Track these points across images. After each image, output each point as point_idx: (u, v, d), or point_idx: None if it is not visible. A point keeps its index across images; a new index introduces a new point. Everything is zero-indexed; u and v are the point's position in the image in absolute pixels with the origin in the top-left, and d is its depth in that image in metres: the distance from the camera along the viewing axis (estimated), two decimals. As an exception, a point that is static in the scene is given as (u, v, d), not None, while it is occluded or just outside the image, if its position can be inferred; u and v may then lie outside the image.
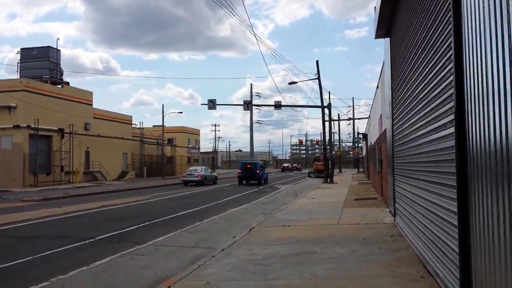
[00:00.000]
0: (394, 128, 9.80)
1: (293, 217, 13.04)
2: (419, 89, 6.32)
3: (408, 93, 7.33)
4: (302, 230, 10.57)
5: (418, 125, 6.45)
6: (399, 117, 8.77)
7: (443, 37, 4.86)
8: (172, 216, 14.94)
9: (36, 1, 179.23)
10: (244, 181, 36.27)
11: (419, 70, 6.26)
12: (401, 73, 8.26)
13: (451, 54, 4.48)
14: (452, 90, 4.48)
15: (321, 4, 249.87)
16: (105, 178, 47.25)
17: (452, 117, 4.51)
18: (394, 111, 9.79)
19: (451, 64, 4.50)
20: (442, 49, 4.90)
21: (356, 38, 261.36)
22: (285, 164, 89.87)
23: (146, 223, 13.15)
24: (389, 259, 6.98)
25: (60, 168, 41.07)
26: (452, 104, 4.49)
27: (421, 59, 6.11)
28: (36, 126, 37.15)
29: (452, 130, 4.51)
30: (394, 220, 10.64)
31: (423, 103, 5.99)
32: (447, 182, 4.77)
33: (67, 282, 6.89)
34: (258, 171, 36.25)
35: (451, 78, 4.51)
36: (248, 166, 37.24)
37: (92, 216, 15.46)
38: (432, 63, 5.40)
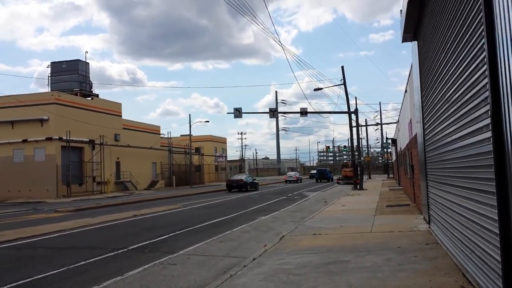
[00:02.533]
0: (426, 132, 9.59)
1: (323, 225, 12.90)
2: (451, 92, 6.16)
3: (440, 97, 7.16)
4: (334, 238, 10.43)
5: (451, 129, 6.28)
6: (430, 121, 8.58)
7: (474, 38, 4.73)
8: (202, 224, 15.01)
9: (62, 15, 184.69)
10: (319, 180, 58.06)
11: (450, 72, 6.11)
12: (431, 76, 8.09)
13: (484, 56, 4.35)
14: (487, 93, 4.35)
15: (344, 8, 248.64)
16: (135, 187, 48.02)
17: (488, 121, 4.37)
18: (425, 115, 9.59)
19: (485, 67, 4.37)
20: (474, 51, 4.77)
21: (381, 42, 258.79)
22: (237, 176, 61.39)
23: (177, 232, 13.25)
24: (426, 268, 6.79)
25: (92, 179, 41.99)
26: (487, 107, 4.36)
27: (451, 61, 5.96)
28: (68, 138, 38.15)
29: (488, 134, 4.37)
30: (429, 227, 10.39)
31: (456, 106, 5.83)
32: (485, 189, 4.62)
33: (102, 293, 6.98)
34: (327, 174, 60.38)
35: (486, 81, 4.38)
36: (322, 171, 61.66)
37: (124, 226, 15.68)
38: (464, 65, 5.26)
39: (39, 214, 21.95)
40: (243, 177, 40.48)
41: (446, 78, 6.39)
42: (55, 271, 8.51)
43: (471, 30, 4.81)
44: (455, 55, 5.67)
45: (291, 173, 63.90)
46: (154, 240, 11.89)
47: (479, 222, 4.97)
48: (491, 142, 4.24)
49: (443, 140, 7.08)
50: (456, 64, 5.66)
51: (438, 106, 7.37)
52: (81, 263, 9.23)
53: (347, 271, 6.95)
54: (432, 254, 7.73)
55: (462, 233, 6.10)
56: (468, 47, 4.97)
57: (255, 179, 42.56)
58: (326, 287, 6.12)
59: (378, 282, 6.17)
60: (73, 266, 8.95)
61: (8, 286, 7.56)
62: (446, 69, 6.33)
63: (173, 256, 9.67)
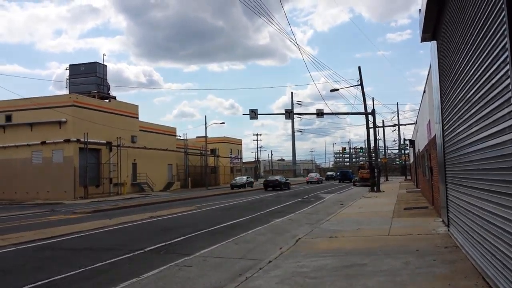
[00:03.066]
0: (445, 134, 9.42)
1: (340, 227, 12.78)
2: (472, 92, 6.02)
3: (460, 97, 7.01)
4: (351, 241, 10.32)
5: (472, 130, 6.14)
6: (451, 122, 8.42)
7: (496, 38, 4.61)
8: (217, 226, 15.01)
9: (80, 18, 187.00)
10: (341, 181, 62.51)
11: (472, 72, 5.98)
12: (451, 76, 7.94)
13: (507, 56, 4.24)
14: (510, 94, 4.23)
15: (360, 8, 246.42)
16: (151, 189, 48.37)
17: (510, 122, 4.26)
18: (444, 116, 9.42)
19: (507, 67, 4.25)
20: (496, 51, 4.65)
21: (399, 42, 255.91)
22: (273, 177, 58.72)
23: (193, 234, 13.27)
24: (445, 271, 6.65)
25: (109, 180, 42.41)
26: (510, 108, 4.24)
27: (472, 61, 5.83)
28: (86, 140, 38.59)
29: (511, 136, 4.25)
30: (448, 230, 10.20)
31: (477, 107, 5.70)
32: (508, 191, 4.49)
33: (118, 294, 7.00)
34: (349, 175, 63.92)
35: (508, 81, 4.26)
36: (344, 172, 67.14)
37: (141, 227, 15.77)
38: (486, 65, 5.13)
39: (57, 216, 22.24)
40: (278, 177, 49.35)
41: (467, 78, 6.26)
42: (73, 272, 8.57)
43: (493, 29, 4.69)
44: (476, 54, 5.54)
45: (312, 175, 69.30)
46: (170, 242, 11.92)
47: (501, 225, 4.84)
48: (514, 143, 4.12)
49: (464, 141, 6.94)
50: (477, 64, 5.53)
51: (458, 107, 7.22)
52: (98, 264, 9.29)
53: (364, 274, 6.85)
54: (451, 257, 7.58)
55: (483, 237, 5.96)
56: (490, 47, 4.85)
57: (287, 180, 50.07)
58: (343, 291, 6.03)
59: (396, 286, 6.06)
60: (90, 267, 9.01)
61: (27, 287, 7.64)
62: (467, 69, 6.20)
63: (189, 258, 9.66)
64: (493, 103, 4.93)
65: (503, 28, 4.32)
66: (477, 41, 5.42)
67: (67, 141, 38.51)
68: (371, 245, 9.51)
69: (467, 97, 6.33)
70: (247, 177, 57.40)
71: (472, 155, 6.28)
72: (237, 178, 57.17)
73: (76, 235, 13.96)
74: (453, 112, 7.86)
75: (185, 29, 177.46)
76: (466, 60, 6.26)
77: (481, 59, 5.31)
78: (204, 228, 14.63)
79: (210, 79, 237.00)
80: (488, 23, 4.88)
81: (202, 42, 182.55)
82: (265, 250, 10.25)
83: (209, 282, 7.52)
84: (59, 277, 8.25)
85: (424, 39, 10.56)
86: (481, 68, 5.34)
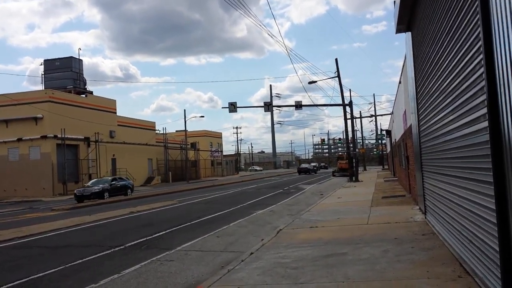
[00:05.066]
0: (421, 123, 9.58)
1: (320, 217, 12.90)
2: (447, 82, 6.13)
3: (435, 87, 7.13)
4: (331, 231, 10.43)
5: (447, 120, 6.25)
6: (426, 112, 8.56)
7: (470, 28, 4.69)
8: (199, 220, 14.99)
9: (53, 11, 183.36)
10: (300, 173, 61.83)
11: (446, 63, 6.07)
12: (426, 67, 8.05)
13: (480, 45, 4.32)
14: (483, 83, 4.32)
15: (337, 0, 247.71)
16: (131, 184, 47.90)
17: (484, 110, 4.34)
18: (420, 106, 9.57)
19: (481, 56, 4.34)
20: (470, 41, 4.74)
21: (374, 33, 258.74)
22: (304, 165, 71.29)
23: (174, 228, 13.22)
24: (423, 258, 6.79)
25: (88, 176, 41.85)
26: (484, 97, 4.33)
27: (447, 51, 5.92)
28: (63, 135, 37.96)
29: (485, 124, 4.34)
30: (425, 217, 10.41)
31: (452, 96, 5.80)
32: (482, 179, 4.60)
33: (99, 291, 6.94)
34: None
35: (482, 70, 4.35)
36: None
37: (121, 223, 15.64)
38: (460, 55, 5.22)
39: (35, 213, 21.88)
40: (307, 165, 66.96)
41: (442, 68, 6.35)
42: (52, 270, 8.46)
43: (467, 19, 4.77)
44: (450, 45, 5.63)
45: (304, 165, 73.76)
46: (151, 237, 11.85)
47: (477, 212, 4.96)
48: (488, 132, 4.21)
49: (439, 130, 7.06)
50: (452, 54, 5.62)
51: (434, 97, 7.34)
52: (78, 261, 9.18)
53: (344, 263, 6.95)
54: (429, 244, 7.74)
55: (459, 223, 6.10)
56: (464, 36, 4.93)
57: (315, 166, 69.20)
58: (323, 280, 6.10)
59: (376, 274, 6.17)
60: (70, 264, 8.91)
61: (6, 286, 7.52)
62: (442, 59, 6.29)
63: (170, 252, 9.64)
64: (467, 92, 5.03)
65: (476, 18, 4.39)
66: (452, 31, 5.51)
67: (44, 137, 37.82)
68: (351, 234, 9.63)
69: (442, 87, 6.43)
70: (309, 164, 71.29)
71: (448, 144, 6.40)
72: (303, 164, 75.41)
73: (54, 233, 13.76)
74: (429, 102, 7.99)
75: (162, 22, 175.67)
76: (441, 51, 6.35)
77: (455, 49, 5.39)
78: (185, 222, 14.60)
79: (188, 73, 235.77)
80: (462, 14, 4.96)
81: (179, 35, 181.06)
82: (247, 242, 10.29)
83: (191, 276, 7.52)
84: (38, 275, 8.14)
85: (399, 30, 10.66)
86: (455, 58, 5.43)
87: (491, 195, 4.25)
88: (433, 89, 7.29)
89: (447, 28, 5.74)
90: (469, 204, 5.34)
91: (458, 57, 5.27)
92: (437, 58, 6.72)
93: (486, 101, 4.23)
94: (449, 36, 5.66)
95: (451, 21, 5.49)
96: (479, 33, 4.32)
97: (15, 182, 37.91)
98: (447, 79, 6.02)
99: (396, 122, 22.82)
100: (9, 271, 8.68)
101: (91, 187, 28.64)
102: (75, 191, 28.55)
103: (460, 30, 5.09)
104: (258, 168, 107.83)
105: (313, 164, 78.01)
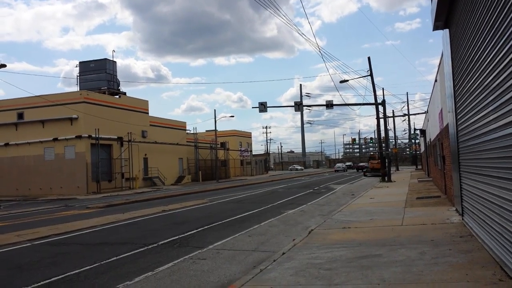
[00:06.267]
0: (459, 122, 9.29)
1: (352, 218, 12.72)
2: (488, 80, 5.90)
3: (476, 85, 6.88)
4: (364, 232, 10.26)
5: (489, 119, 6.02)
6: (465, 111, 8.29)
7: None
8: (230, 219, 15.03)
9: (86, 14, 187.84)
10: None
11: (488, 61, 5.85)
12: (466, 64, 7.80)
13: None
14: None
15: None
16: (163, 183, 48.61)
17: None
18: (458, 105, 9.29)
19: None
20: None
21: (408, 31, 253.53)
22: (339, 164, 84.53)
23: (206, 227, 13.30)
24: (462, 261, 6.58)
25: (121, 175, 42.68)
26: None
27: (489, 48, 5.70)
28: (97, 135, 38.80)
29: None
30: (462, 219, 10.10)
31: (495, 94, 5.58)
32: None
33: (134, 288, 7.03)
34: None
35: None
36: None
37: (154, 221, 15.85)
38: (503, 53, 5.01)
39: (70, 211, 22.45)
40: (341, 164, 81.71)
41: (484, 65, 6.12)
42: (88, 267, 8.63)
43: (511, 15, 4.57)
44: (493, 41, 5.41)
45: (339, 164, 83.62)
46: (183, 235, 11.96)
47: (521, 214, 4.75)
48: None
49: (480, 129, 6.82)
50: (494, 51, 5.40)
51: (474, 95, 7.09)
52: (113, 258, 9.34)
53: (379, 265, 6.80)
54: (467, 247, 7.50)
55: (500, 225, 5.87)
56: (508, 32, 4.73)
57: (349, 165, 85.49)
58: (358, 282, 5.99)
59: (413, 277, 6.01)
60: (105, 262, 9.07)
61: (43, 282, 7.71)
62: (484, 56, 6.06)
63: (202, 251, 9.69)
64: (511, 91, 4.82)
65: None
66: (495, 27, 5.30)
67: (79, 137, 38.77)
68: (385, 235, 9.45)
69: (485, 84, 6.19)
70: (342, 164, 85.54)
71: (490, 143, 6.17)
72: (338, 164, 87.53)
73: (90, 230, 14.07)
74: (468, 100, 7.73)
75: (192, 23, 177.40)
76: (482, 48, 6.12)
77: (499, 45, 5.18)
78: (217, 221, 14.66)
79: (218, 73, 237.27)
80: (506, 9, 4.76)
81: (209, 36, 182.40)
82: (278, 242, 10.25)
83: (224, 275, 7.53)
84: (74, 272, 8.31)
85: (436, 27, 10.37)
86: (499, 55, 5.22)
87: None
88: (474, 87, 7.04)
89: (490, 24, 5.53)
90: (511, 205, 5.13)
91: (503, 53, 5.05)
92: (478, 54, 6.47)
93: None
94: (492, 32, 5.44)
95: (494, 17, 5.28)
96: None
97: (51, 181, 39.04)
98: (489, 77, 5.80)
99: (431, 121, 22.29)
100: (46, 268, 8.91)
101: None
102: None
103: (504, 26, 4.88)
104: (299, 167, 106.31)
105: (341, 164, 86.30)
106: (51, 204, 28.30)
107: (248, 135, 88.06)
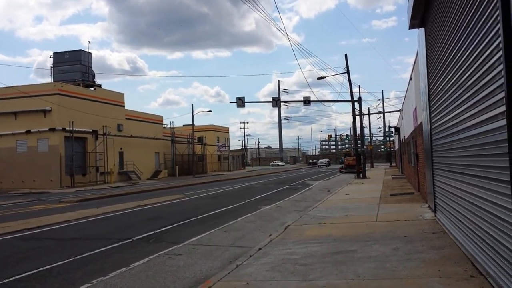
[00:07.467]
0: (432, 121, 9.47)
1: (328, 214, 12.85)
2: (462, 79, 6.02)
3: (450, 84, 7.02)
4: (339, 227, 10.37)
5: (462, 118, 6.15)
6: (439, 110, 8.45)
7: (489, 23, 4.59)
8: (206, 214, 14.98)
9: (61, 4, 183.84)
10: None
11: (462, 59, 5.96)
12: (440, 63, 7.94)
13: (500, 41, 4.23)
14: (502, 80, 4.23)
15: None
16: (138, 177, 48.10)
17: (503, 108, 4.25)
18: (432, 103, 9.45)
19: (500, 52, 4.24)
20: (489, 37, 4.63)
21: (384, 29, 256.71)
22: (321, 160, 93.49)
23: (182, 222, 13.22)
24: (434, 257, 6.72)
25: (96, 169, 42.04)
26: (503, 94, 4.23)
27: (464, 47, 5.81)
28: (71, 128, 38.08)
29: (503, 122, 4.25)
30: (435, 215, 10.31)
31: (468, 94, 5.70)
32: (499, 177, 4.52)
33: (108, 284, 6.94)
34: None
35: (501, 67, 4.25)
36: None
37: (129, 216, 15.68)
38: (478, 51, 5.11)
39: (43, 205, 22.00)
40: (323, 159, 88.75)
41: (458, 64, 6.24)
42: (61, 262, 8.48)
43: (486, 14, 4.67)
44: (468, 41, 5.52)
45: (322, 160, 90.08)
46: (159, 231, 11.86)
47: (492, 211, 4.88)
48: (506, 130, 4.12)
49: (453, 128, 6.95)
50: (469, 50, 5.50)
51: (448, 94, 7.23)
52: (87, 254, 9.20)
53: (354, 260, 6.89)
54: (440, 243, 7.66)
55: (472, 222, 6.01)
56: (483, 32, 4.83)
57: (329, 161, 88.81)
58: (333, 277, 6.06)
59: (387, 272, 6.11)
60: (78, 257, 8.92)
61: (15, 277, 7.54)
62: (459, 55, 6.18)
63: (178, 246, 9.63)
64: (485, 89, 4.92)
65: (496, 14, 4.30)
66: (469, 27, 5.40)
67: (52, 130, 37.97)
68: (359, 231, 9.57)
69: (458, 83, 6.31)
70: (327, 160, 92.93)
71: (462, 142, 6.30)
72: (321, 159, 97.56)
73: (63, 225, 13.82)
74: (442, 99, 7.87)
75: (169, 15, 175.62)
76: (458, 47, 6.22)
77: (473, 45, 5.28)
78: (193, 216, 14.60)
79: (195, 67, 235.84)
80: (481, 9, 4.85)
81: (187, 29, 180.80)
82: (255, 238, 10.27)
83: (200, 271, 7.51)
84: (47, 267, 8.15)
85: (412, 26, 10.52)
86: (473, 54, 5.32)
87: (508, 194, 4.17)
88: (448, 86, 7.17)
89: (465, 23, 5.63)
90: (484, 203, 5.26)
91: (477, 53, 5.15)
92: (453, 54, 6.59)
93: (505, 98, 4.14)
94: (467, 32, 5.55)
95: (469, 16, 5.38)
96: (498, 29, 4.23)
97: (23, 174, 38.14)
98: (464, 75, 5.91)
99: (406, 119, 22.65)
100: (18, 263, 8.72)
101: None
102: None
103: (479, 26, 4.98)
104: (280, 163, 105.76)
105: (323, 160, 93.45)
106: (24, 198, 27.68)
107: (225, 130, 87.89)
